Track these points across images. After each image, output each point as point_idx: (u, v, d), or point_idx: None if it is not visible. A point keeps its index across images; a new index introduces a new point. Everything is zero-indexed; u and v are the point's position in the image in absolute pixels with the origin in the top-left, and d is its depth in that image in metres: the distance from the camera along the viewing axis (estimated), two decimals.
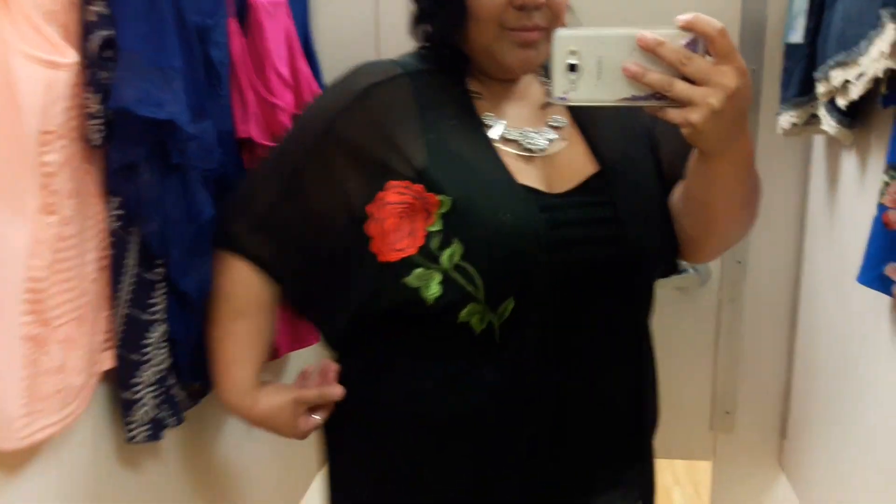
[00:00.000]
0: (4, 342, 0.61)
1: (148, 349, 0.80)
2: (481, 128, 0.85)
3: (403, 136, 0.81)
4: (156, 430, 0.82)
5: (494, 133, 0.85)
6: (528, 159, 0.85)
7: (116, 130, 0.73)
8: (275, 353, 1.16)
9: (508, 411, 0.83)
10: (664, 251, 0.91)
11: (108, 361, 0.77)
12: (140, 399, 0.80)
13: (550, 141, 0.87)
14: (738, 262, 1.53)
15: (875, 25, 0.97)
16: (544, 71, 0.91)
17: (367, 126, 0.82)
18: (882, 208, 1.01)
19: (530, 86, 0.91)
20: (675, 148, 0.94)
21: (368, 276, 0.82)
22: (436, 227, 0.79)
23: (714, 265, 1.55)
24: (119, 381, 0.79)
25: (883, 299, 1.07)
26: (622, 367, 0.90)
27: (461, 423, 0.83)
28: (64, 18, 0.67)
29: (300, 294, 0.91)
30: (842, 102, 1.10)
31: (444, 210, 0.79)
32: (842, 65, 1.08)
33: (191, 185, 0.81)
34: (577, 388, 0.86)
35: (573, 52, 0.69)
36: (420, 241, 0.80)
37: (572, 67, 0.69)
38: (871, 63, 0.97)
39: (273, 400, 0.90)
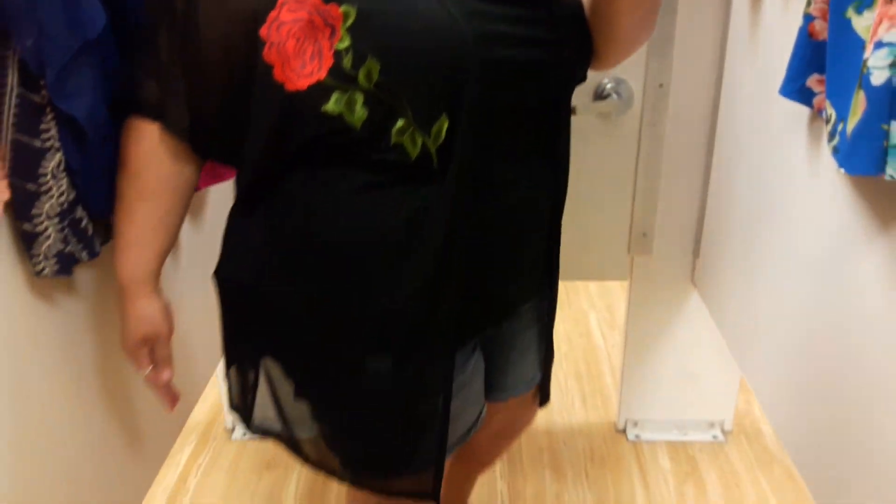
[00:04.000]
0: None
1: (45, 179, 0.74)
2: None
3: None
4: (64, 263, 0.78)
5: None
6: None
7: None
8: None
9: (441, 231, 0.79)
10: (589, 56, 0.89)
11: (5, 192, 0.71)
12: (42, 232, 0.75)
13: None
14: (659, 85, 1.52)
15: None
16: None
17: None
18: (808, 18, 1.00)
19: None
20: None
21: (278, 108, 0.74)
22: (344, 44, 0.70)
23: (636, 90, 1.54)
24: (17, 213, 0.73)
25: (802, 114, 1.08)
26: (549, 174, 0.91)
27: (399, 245, 0.79)
28: None
29: (208, 139, 0.82)
30: None
31: (349, 23, 0.69)
32: None
33: None
34: (511, 205, 0.85)
35: None
36: (328, 62, 0.70)
37: None
38: None
39: (156, 308, 0.87)
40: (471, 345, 0.94)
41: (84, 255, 0.81)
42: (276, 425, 0.93)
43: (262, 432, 0.95)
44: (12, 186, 0.72)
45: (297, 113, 0.73)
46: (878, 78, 0.78)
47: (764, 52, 1.27)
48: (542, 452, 1.88)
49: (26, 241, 0.75)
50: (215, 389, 2.06)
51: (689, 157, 1.60)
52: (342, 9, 0.69)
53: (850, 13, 0.90)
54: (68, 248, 0.78)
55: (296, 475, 1.82)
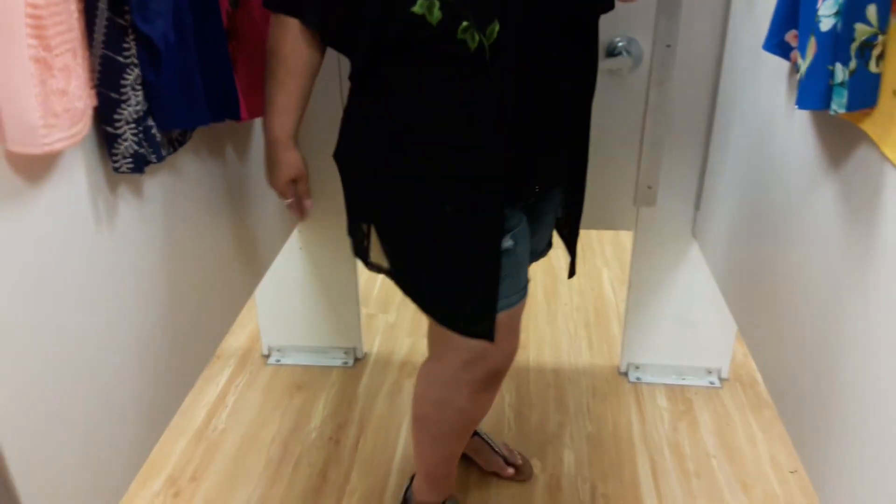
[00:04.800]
0: (18, 61, 0.70)
1: (125, 90, 0.90)
2: None
3: None
4: (138, 163, 0.94)
5: None
6: None
7: None
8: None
9: (496, 111, 1.07)
10: None
11: (93, 98, 0.87)
12: (121, 134, 0.91)
13: None
14: (667, 45, 1.64)
15: None
16: None
17: None
18: None
19: None
20: None
21: (380, 7, 1.03)
22: None
23: (645, 49, 1.66)
24: (101, 118, 0.90)
25: (784, 68, 1.19)
26: (577, 78, 1.18)
27: (461, 120, 1.08)
28: None
29: (332, 31, 1.13)
30: None
31: None
32: None
33: None
34: (546, 96, 1.13)
35: None
36: None
37: None
38: None
39: (299, 156, 1.24)
40: (519, 209, 1.22)
41: (153, 157, 0.98)
42: (385, 265, 1.24)
43: (376, 270, 1.26)
44: (99, 94, 0.88)
45: (392, 12, 1.02)
46: (825, 25, 0.91)
47: (759, 13, 1.38)
48: (548, 388, 2.03)
49: (108, 142, 0.92)
50: (254, 320, 2.25)
51: (693, 114, 1.71)
52: None
53: None
54: (141, 151, 0.95)
55: (324, 396, 2.00)
